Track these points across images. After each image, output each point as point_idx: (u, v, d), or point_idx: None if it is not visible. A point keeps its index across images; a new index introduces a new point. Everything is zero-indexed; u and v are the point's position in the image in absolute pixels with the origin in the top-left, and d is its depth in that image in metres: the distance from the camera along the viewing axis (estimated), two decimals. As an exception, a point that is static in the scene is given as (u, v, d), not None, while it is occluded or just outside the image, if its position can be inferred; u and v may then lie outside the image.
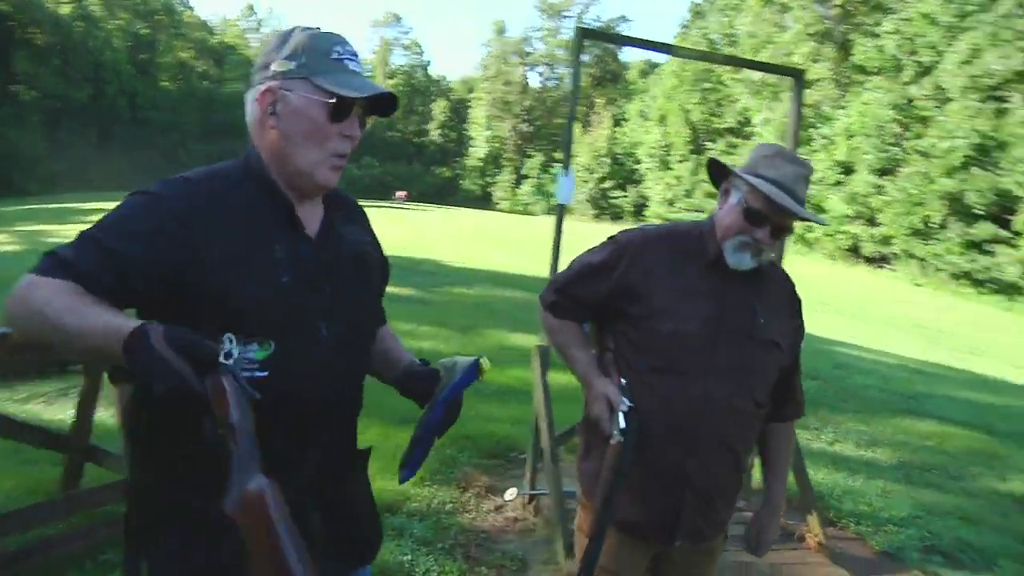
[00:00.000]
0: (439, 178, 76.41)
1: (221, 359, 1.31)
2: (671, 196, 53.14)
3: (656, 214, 53.84)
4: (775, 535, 2.46)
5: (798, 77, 5.01)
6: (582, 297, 2.33)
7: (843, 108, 41.62)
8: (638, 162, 57.26)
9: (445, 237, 27.08)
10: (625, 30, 72.47)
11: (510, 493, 4.82)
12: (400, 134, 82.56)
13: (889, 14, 40.72)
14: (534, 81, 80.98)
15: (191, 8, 69.52)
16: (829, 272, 36.00)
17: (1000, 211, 35.01)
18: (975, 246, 35.60)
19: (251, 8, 78.11)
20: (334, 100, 1.53)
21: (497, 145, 76.54)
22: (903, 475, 6.54)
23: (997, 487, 6.72)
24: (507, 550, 4.19)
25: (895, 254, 39.68)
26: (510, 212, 64.04)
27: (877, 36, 40.87)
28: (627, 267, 2.23)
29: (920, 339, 18.10)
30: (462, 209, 55.67)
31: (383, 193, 60.93)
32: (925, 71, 38.40)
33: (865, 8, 43.58)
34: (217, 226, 1.48)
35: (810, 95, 42.05)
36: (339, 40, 1.58)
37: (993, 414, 9.84)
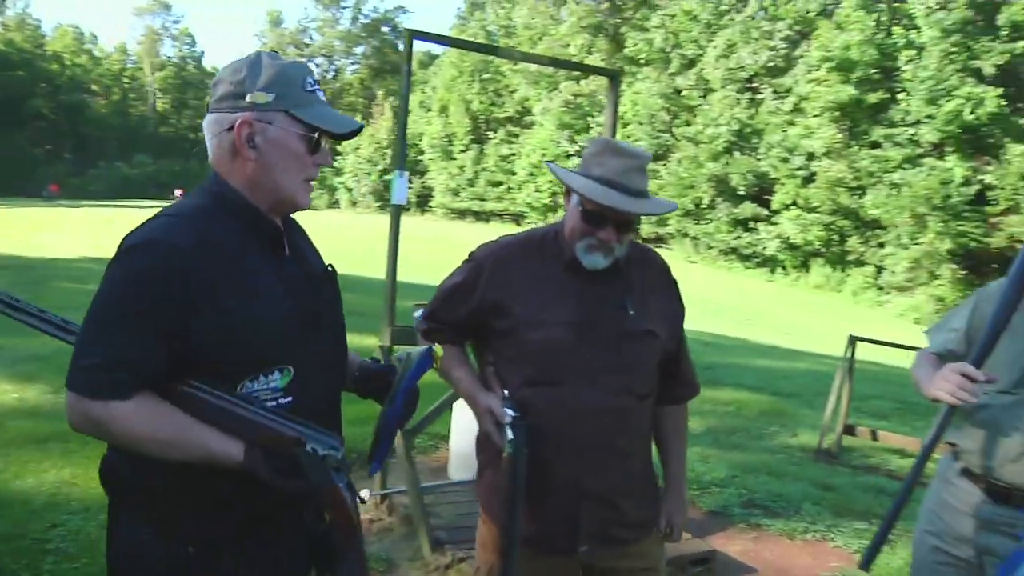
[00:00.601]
0: (218, 174, 72.82)
1: (333, 469, 1.49)
2: (455, 186, 53.67)
3: (441, 204, 54.29)
4: (683, 518, 2.42)
5: (614, 78, 5.32)
6: (450, 320, 2.30)
7: (618, 97, 43.81)
8: (421, 153, 57.40)
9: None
10: (406, 21, 72.39)
11: (363, 494, 4.80)
12: (174, 129, 78.17)
13: (656, 10, 43.30)
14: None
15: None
16: (613, 254, 37.89)
17: (760, 192, 38.27)
18: (740, 224, 38.74)
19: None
20: (316, 135, 1.59)
21: (276, 138, 74.19)
22: (714, 440, 7.14)
23: (790, 442, 7.49)
24: (371, 552, 4.17)
25: (670, 234, 42.25)
26: (293, 207, 62.29)
27: (646, 30, 43.36)
28: (487, 283, 2.20)
29: (702, 313, 19.46)
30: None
31: (159, 192, 57.39)
32: (690, 63, 41.20)
33: (633, 3, 46.05)
34: (221, 266, 1.50)
35: (586, 84, 43.90)
36: (307, 70, 1.63)
37: (776, 377, 10.87)
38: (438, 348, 1.81)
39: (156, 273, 1.43)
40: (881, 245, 34.49)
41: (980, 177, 32.97)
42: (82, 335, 1.45)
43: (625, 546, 2.24)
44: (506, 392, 2.11)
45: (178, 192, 57.16)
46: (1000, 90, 31.94)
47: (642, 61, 43.41)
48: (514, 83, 51.44)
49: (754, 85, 39.50)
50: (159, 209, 1.61)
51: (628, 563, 2.26)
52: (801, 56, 37.66)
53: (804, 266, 36.72)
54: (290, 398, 1.55)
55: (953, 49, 32.00)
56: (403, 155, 4.68)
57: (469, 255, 2.30)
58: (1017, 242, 32.06)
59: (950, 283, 32.08)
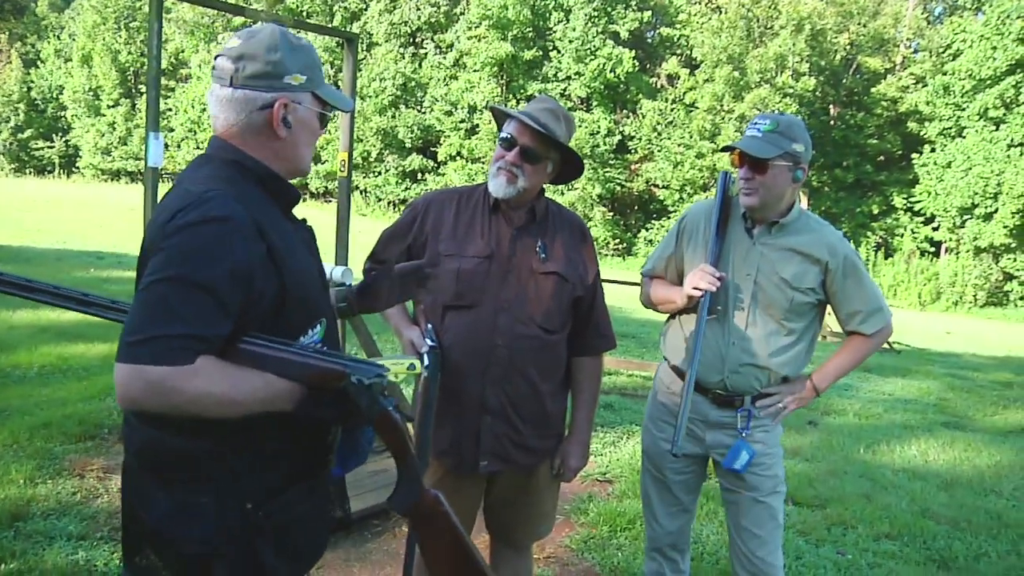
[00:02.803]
0: None
1: (380, 394, 1.59)
2: (105, 144, 49.25)
3: (90, 164, 49.62)
4: (579, 463, 2.66)
5: (352, 41, 5.55)
6: (389, 260, 2.55)
7: (356, 60, 42.65)
8: (63, 108, 51.95)
9: None
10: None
11: None
12: None
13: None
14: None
15: None
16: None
17: (425, 144, 39.50)
18: (409, 176, 39.81)
19: None
20: (333, 114, 1.75)
21: None
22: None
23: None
24: None
25: (331, 187, 42.21)
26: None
27: (308, -19, 42.51)
28: (420, 223, 2.51)
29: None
30: None
31: None
32: (354, 16, 41.12)
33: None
34: (271, 233, 1.57)
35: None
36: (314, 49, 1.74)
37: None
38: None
39: (224, 246, 1.47)
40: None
41: (621, 128, 36.82)
42: (145, 308, 1.44)
43: (522, 470, 2.56)
44: (429, 325, 2.40)
45: None
46: (633, 52, 35.78)
47: (304, 13, 42.62)
48: (167, 32, 48.15)
49: (417, 40, 40.49)
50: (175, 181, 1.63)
51: (521, 485, 2.61)
52: (461, 13, 39.20)
53: (472, 214, 38.59)
54: (324, 348, 1.68)
55: (595, 13, 35.23)
56: (156, 114, 4.54)
57: (410, 202, 2.57)
58: (654, 186, 36.31)
59: (601, 223, 35.66)
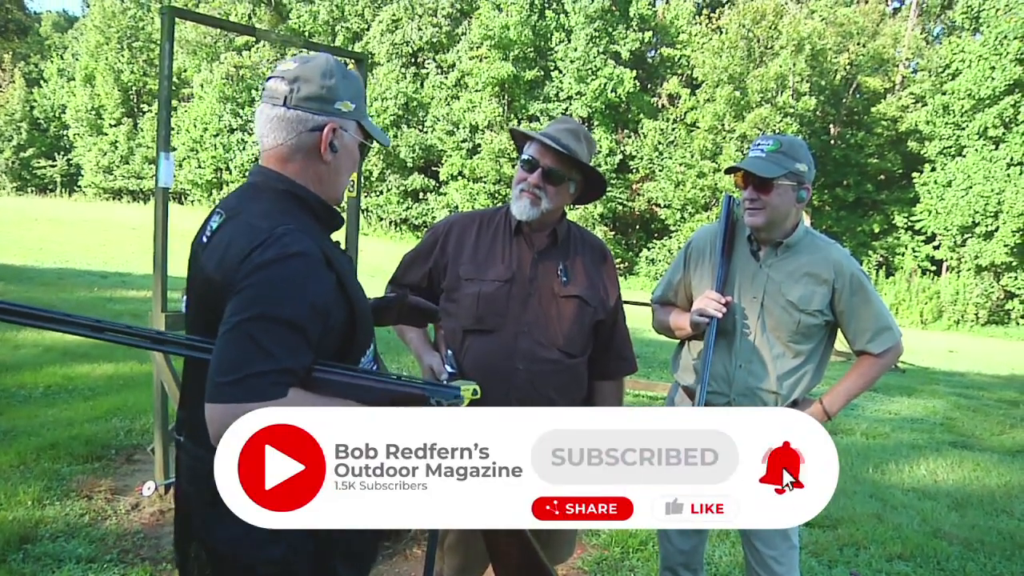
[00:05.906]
0: None
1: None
2: (107, 163, 49.32)
3: (92, 183, 49.69)
4: None
5: (361, 61, 5.58)
6: (410, 284, 2.59)
7: (365, 79, 42.77)
8: (65, 127, 52.07)
9: None
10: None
11: (148, 488, 4.61)
12: None
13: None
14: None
15: None
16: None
17: (427, 163, 39.57)
18: (410, 195, 39.87)
19: None
20: (370, 143, 1.75)
21: None
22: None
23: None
24: (165, 542, 4.05)
25: (342, 207, 42.20)
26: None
27: (311, 2, 42.71)
28: (440, 247, 2.54)
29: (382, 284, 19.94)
30: None
31: None
32: (356, 36, 41.36)
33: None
34: (335, 262, 1.60)
35: (250, 56, 42.49)
36: (360, 80, 1.78)
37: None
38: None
39: (304, 281, 1.50)
40: (542, 211, 37.29)
41: (622, 148, 36.94)
42: (234, 347, 1.45)
43: None
44: (450, 351, 2.39)
45: None
46: (634, 72, 35.93)
47: (307, 33, 42.83)
48: (167, 52, 48.17)
49: (419, 60, 40.67)
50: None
51: None
52: (463, 33, 39.39)
53: (474, 234, 38.66)
54: (376, 367, 1.72)
55: (596, 34, 35.44)
56: (167, 134, 4.55)
57: (431, 226, 2.59)
58: (656, 205, 36.35)
59: (602, 244, 35.50)
